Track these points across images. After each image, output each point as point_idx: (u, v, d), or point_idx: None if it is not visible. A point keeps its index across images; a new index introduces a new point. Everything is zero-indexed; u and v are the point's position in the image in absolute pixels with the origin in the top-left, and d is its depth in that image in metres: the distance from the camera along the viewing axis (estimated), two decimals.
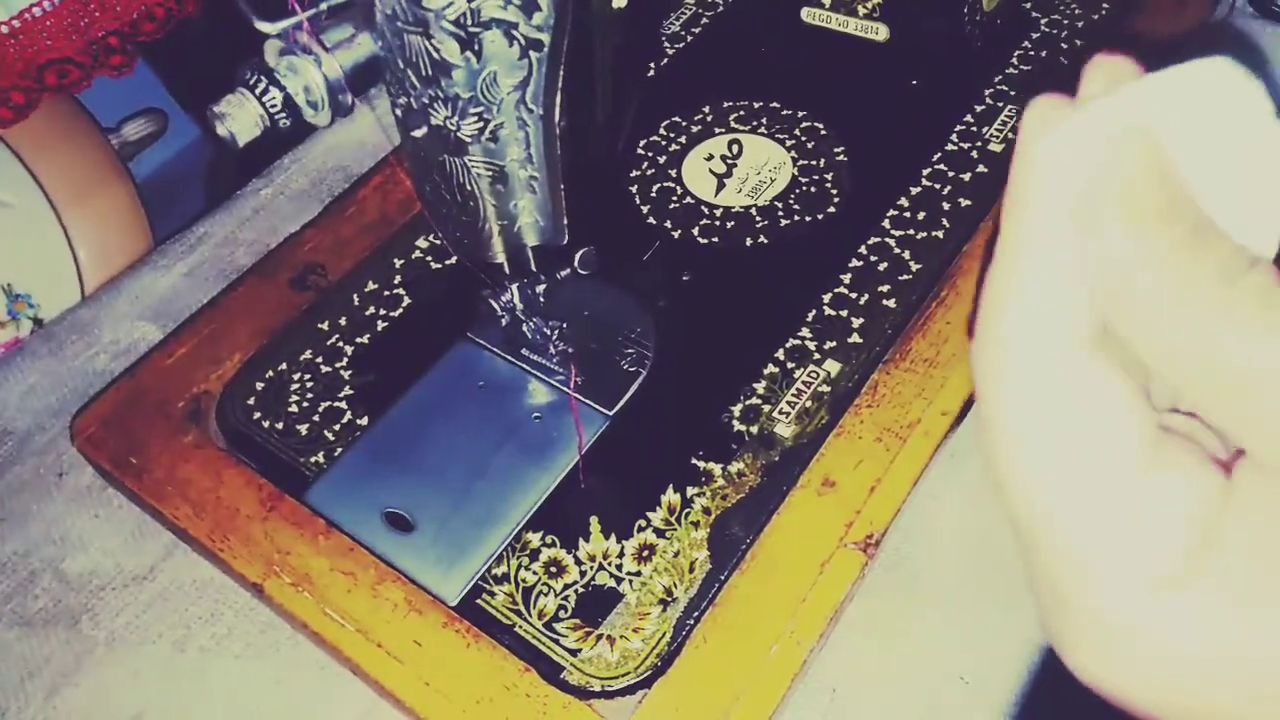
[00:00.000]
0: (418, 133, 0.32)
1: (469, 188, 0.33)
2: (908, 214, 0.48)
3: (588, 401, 0.42)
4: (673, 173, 0.51)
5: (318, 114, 0.33)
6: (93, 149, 0.64)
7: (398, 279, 0.48)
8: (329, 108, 0.33)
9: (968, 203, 0.48)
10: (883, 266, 0.46)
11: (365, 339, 0.46)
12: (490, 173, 0.33)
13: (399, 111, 0.33)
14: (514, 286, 0.40)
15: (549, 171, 0.33)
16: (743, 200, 0.49)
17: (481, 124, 0.32)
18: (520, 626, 0.37)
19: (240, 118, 0.32)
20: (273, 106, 0.32)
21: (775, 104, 0.53)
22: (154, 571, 0.43)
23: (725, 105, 0.54)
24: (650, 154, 0.52)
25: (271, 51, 0.32)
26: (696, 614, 0.36)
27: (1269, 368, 0.15)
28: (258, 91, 0.32)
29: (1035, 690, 0.37)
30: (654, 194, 0.50)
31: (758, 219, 0.48)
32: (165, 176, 0.88)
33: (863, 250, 0.46)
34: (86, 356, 0.52)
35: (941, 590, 0.39)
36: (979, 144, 0.50)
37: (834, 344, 0.43)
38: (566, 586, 0.37)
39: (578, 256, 0.40)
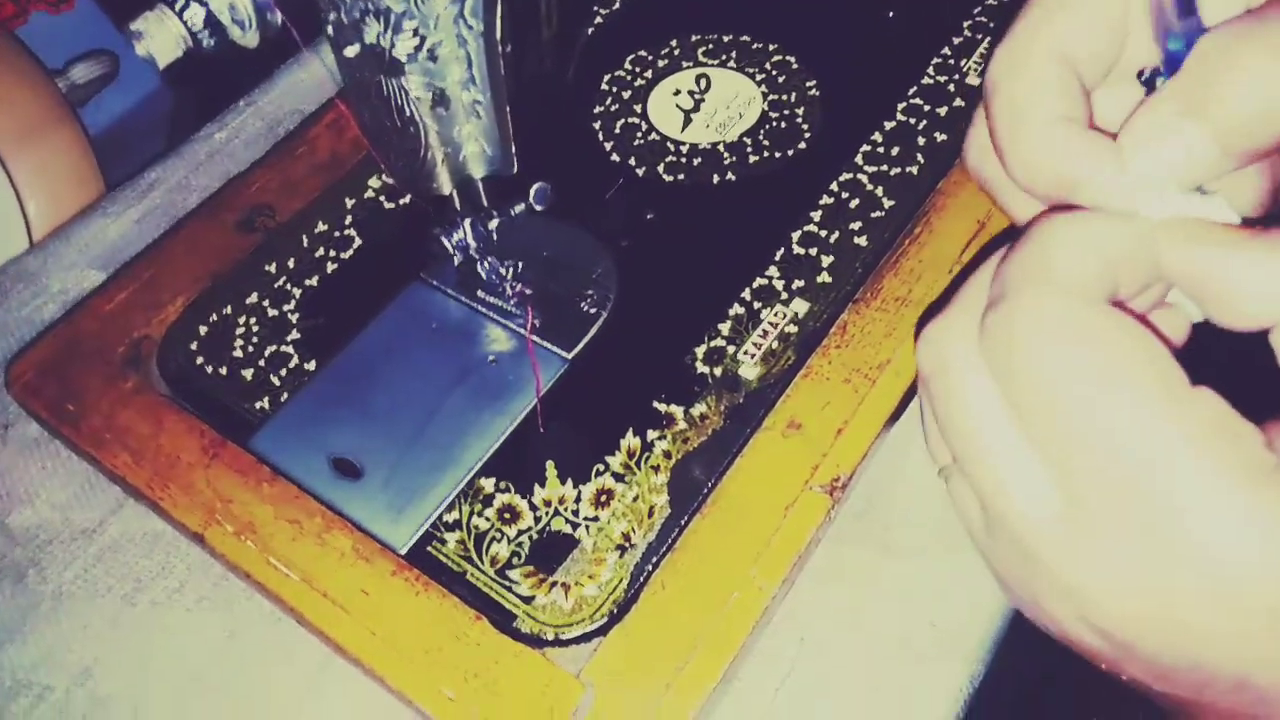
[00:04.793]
0: (350, 51, 0.30)
1: (408, 112, 0.31)
2: (881, 149, 0.46)
3: (546, 344, 0.40)
4: (638, 108, 0.49)
5: (245, 34, 0.31)
6: (38, 92, 0.61)
7: (349, 219, 0.46)
8: (256, 28, 0.31)
9: (944, 137, 0.46)
10: (854, 203, 0.44)
11: (314, 281, 0.44)
12: (430, 95, 0.31)
13: (330, 29, 0.31)
14: (466, 223, 0.38)
15: (494, 94, 0.31)
16: (710, 136, 0.47)
17: (418, 41, 0.29)
18: (471, 574, 0.35)
19: (160, 36, 0.30)
20: (194, 25, 0.30)
21: (745, 37, 0.51)
22: (103, 525, 0.42)
23: (693, 39, 0.52)
24: (614, 89, 0.50)
25: None
26: (655, 559, 0.35)
27: None
28: (178, 8, 0.30)
29: (1006, 636, 0.36)
30: (618, 130, 0.48)
31: (726, 156, 0.47)
32: (124, 127, 0.85)
33: (834, 187, 0.45)
34: (34, 306, 0.50)
35: (912, 537, 0.38)
36: (956, 77, 0.48)
37: (802, 283, 0.42)
38: (521, 533, 0.36)
39: (532, 191, 0.38)
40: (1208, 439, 0.19)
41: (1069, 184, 0.21)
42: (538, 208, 0.38)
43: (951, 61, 0.49)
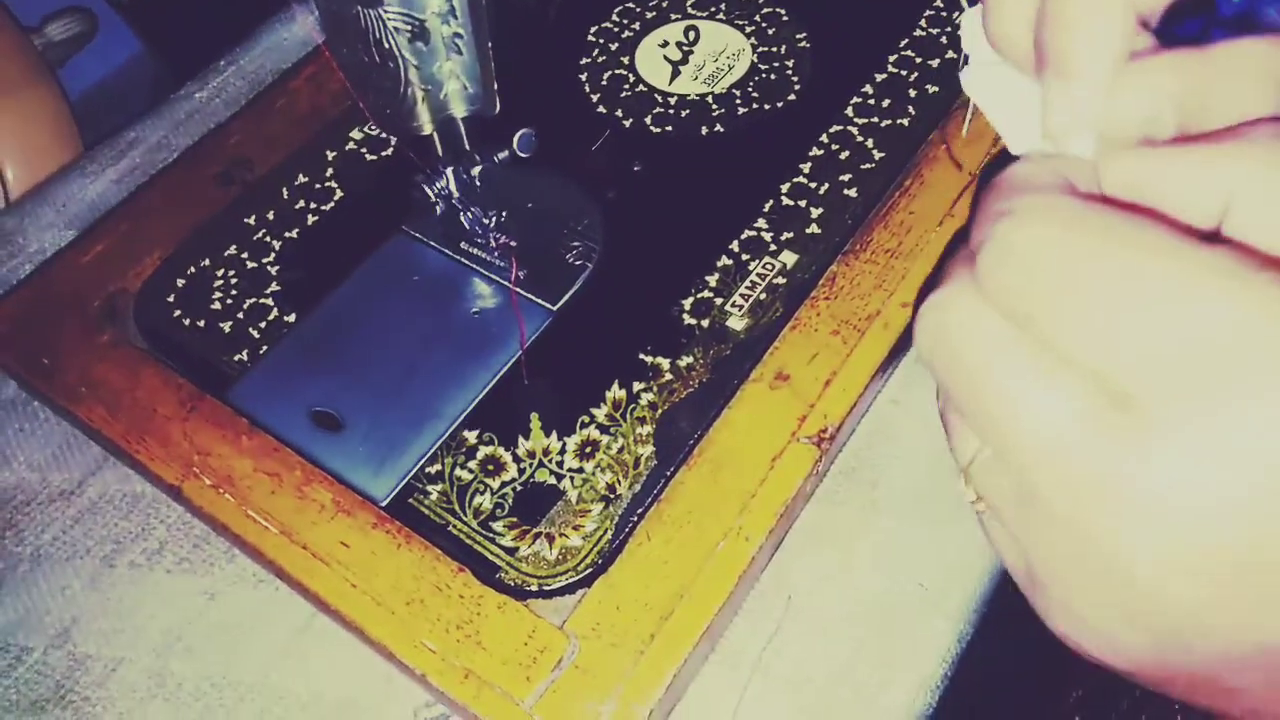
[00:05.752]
0: None
1: (387, 45, 0.30)
2: (872, 101, 0.45)
3: (530, 296, 0.40)
4: (625, 60, 0.48)
5: None
6: (13, 50, 0.60)
7: (330, 171, 0.45)
8: None
9: (935, 89, 0.45)
10: (845, 155, 0.43)
11: (294, 233, 0.43)
12: (409, 28, 0.30)
13: None
14: (448, 171, 0.37)
15: (474, 28, 0.30)
16: (699, 88, 0.46)
17: None
18: (454, 526, 0.35)
19: None
20: None
21: None
22: (82, 486, 0.41)
23: None
24: (602, 41, 0.49)
25: None
26: (640, 510, 0.34)
27: None
28: None
29: (993, 596, 0.36)
30: (605, 82, 0.47)
31: (714, 107, 0.46)
32: (106, 93, 0.83)
33: (824, 139, 0.44)
34: (10, 266, 0.49)
35: (901, 496, 0.38)
36: (949, 29, 0.48)
37: (791, 235, 0.41)
38: (504, 484, 0.35)
39: (516, 138, 0.37)
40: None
41: (1059, 56, 0.20)
42: (522, 155, 0.37)
43: (943, 13, 0.48)
